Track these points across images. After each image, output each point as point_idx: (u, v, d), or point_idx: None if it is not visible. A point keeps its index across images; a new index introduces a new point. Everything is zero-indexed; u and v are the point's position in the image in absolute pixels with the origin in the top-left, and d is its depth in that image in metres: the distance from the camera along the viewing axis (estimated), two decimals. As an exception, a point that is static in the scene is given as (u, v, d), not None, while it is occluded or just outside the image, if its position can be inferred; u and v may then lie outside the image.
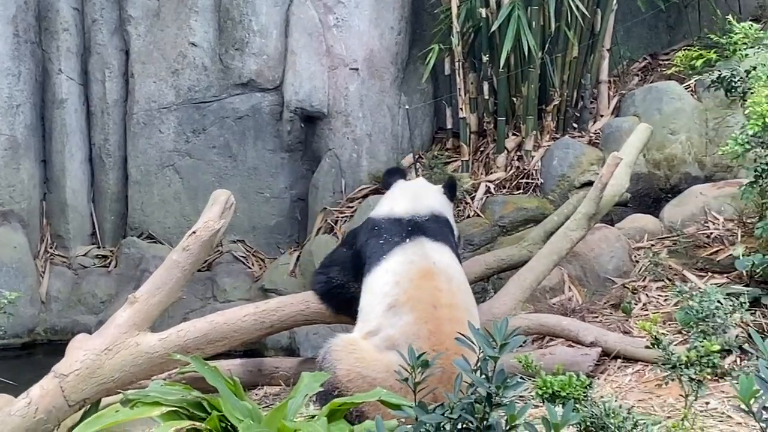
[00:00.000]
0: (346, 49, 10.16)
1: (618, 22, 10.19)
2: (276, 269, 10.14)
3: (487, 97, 9.96)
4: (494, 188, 9.76)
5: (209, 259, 10.19)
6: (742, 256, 6.67)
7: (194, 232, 5.52)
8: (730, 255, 7.03)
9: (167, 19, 10.38)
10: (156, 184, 10.58)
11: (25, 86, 10.39)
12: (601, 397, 4.83)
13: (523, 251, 7.44)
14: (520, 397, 5.12)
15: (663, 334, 5.17)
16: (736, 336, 5.77)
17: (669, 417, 5.20)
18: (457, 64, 9.92)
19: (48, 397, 5.01)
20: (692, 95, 9.22)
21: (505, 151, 9.87)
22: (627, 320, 6.72)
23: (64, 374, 5.11)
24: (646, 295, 7.06)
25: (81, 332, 5.72)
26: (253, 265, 10.45)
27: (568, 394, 4.27)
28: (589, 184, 8.36)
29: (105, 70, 10.59)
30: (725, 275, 7.01)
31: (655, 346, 4.64)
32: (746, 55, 7.15)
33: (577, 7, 9.38)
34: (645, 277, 7.28)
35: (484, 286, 8.23)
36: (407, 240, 5.69)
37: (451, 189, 6.30)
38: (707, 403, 5.33)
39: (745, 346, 5.76)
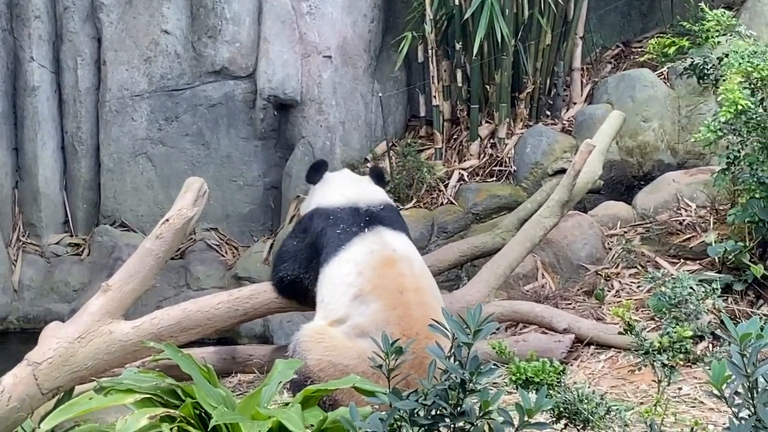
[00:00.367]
0: (319, 36, 10.11)
1: (591, 9, 10.21)
2: (249, 257, 10.11)
3: (460, 84, 9.97)
4: (467, 176, 9.78)
5: (182, 247, 10.14)
6: (715, 242, 6.72)
7: (167, 220, 5.49)
8: (703, 242, 7.07)
9: (139, 7, 10.29)
10: (129, 172, 10.49)
11: (-4, 74, 10.32)
12: (575, 383, 4.86)
13: (497, 238, 7.49)
14: (494, 383, 5.12)
15: (636, 320, 5.19)
16: (709, 322, 5.81)
17: (642, 403, 5.24)
18: (430, 51, 9.90)
19: (21, 385, 4.98)
20: (665, 83, 9.26)
21: (479, 139, 9.89)
22: (600, 307, 6.76)
23: (38, 362, 5.07)
24: (619, 281, 7.09)
25: (54, 320, 5.68)
26: (226, 253, 10.42)
27: (541, 380, 4.29)
28: (562, 171, 8.40)
29: (77, 57, 10.48)
30: (697, 262, 7.06)
31: (628, 333, 4.66)
32: (718, 42, 7.17)
33: (551, -5, 9.42)
34: (618, 264, 7.31)
35: (457, 273, 8.25)
36: (366, 230, 5.68)
37: (379, 178, 6.26)
38: (680, 389, 5.38)
39: (717, 332, 5.80)
